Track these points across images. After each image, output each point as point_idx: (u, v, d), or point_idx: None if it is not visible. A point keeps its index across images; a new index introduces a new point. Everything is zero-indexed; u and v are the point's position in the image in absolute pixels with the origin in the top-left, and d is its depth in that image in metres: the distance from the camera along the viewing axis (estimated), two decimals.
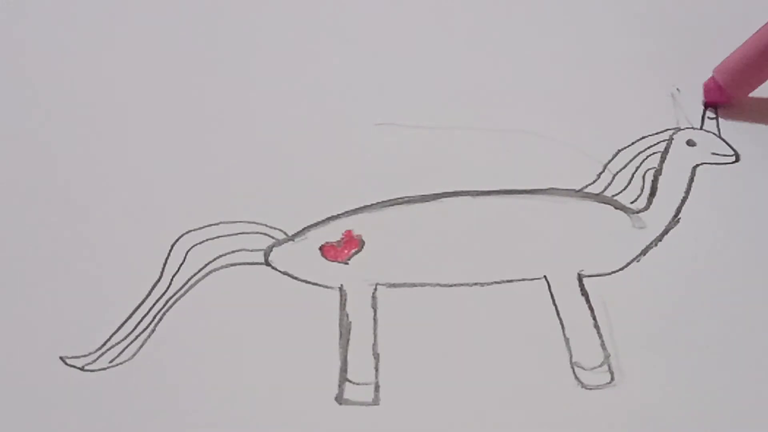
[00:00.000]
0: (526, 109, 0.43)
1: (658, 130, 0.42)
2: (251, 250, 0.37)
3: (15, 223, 0.38)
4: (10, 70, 0.45)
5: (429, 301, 0.36)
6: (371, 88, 0.44)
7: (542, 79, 0.44)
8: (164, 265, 0.36)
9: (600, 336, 0.35)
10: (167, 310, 0.35)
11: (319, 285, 0.36)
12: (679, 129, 0.42)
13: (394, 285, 0.36)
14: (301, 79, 0.44)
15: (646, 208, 0.39)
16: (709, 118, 0.42)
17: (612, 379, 0.34)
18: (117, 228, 0.38)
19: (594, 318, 0.35)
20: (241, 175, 0.40)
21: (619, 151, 0.41)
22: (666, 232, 0.38)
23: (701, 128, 0.42)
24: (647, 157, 0.40)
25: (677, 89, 0.43)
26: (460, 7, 0.49)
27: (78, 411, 0.33)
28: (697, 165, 0.40)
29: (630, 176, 0.40)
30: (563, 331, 0.35)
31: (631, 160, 0.40)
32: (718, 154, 0.41)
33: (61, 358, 0.34)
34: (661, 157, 0.40)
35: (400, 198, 0.39)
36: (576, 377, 0.34)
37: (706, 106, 0.43)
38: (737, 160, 0.41)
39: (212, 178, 0.40)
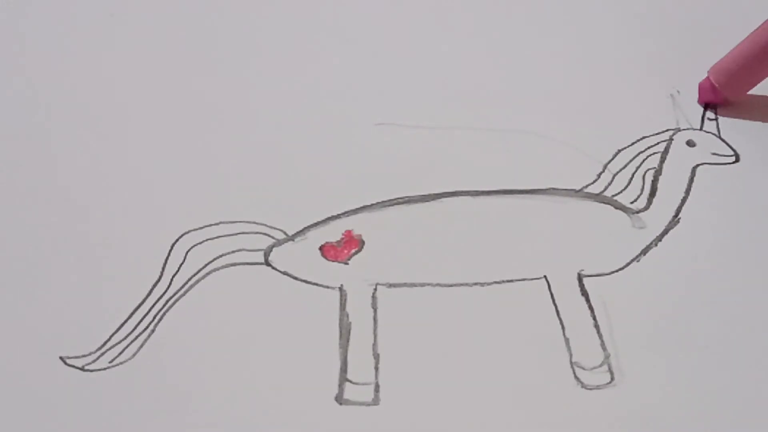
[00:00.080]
0: (526, 109, 0.43)
1: (658, 131, 0.42)
2: (251, 250, 0.37)
3: (15, 223, 0.38)
4: (11, 70, 0.45)
5: (429, 301, 0.36)
6: (371, 88, 0.44)
7: (542, 79, 0.44)
8: (164, 265, 0.36)
9: (600, 336, 0.35)
10: (167, 310, 0.35)
11: (319, 285, 0.36)
12: (679, 129, 0.42)
13: (394, 285, 0.36)
14: (301, 79, 0.45)
15: (646, 208, 0.39)
16: (709, 119, 0.42)
17: (612, 379, 0.34)
18: (117, 228, 0.38)
19: (594, 318, 0.35)
20: (240, 175, 0.40)
21: (619, 151, 0.41)
22: (666, 232, 0.38)
23: (701, 129, 0.42)
24: (647, 157, 0.40)
25: (677, 91, 0.43)
26: (459, 7, 0.49)
27: (78, 411, 0.33)
28: (697, 165, 0.40)
29: (630, 176, 0.40)
30: (563, 331, 0.35)
31: (631, 160, 0.40)
32: (718, 155, 0.41)
33: (61, 358, 0.34)
34: (661, 157, 0.41)
35: (400, 198, 0.39)
36: (576, 377, 0.34)
37: (704, 106, 0.43)
38: (737, 160, 0.41)
39: (212, 178, 0.40)
